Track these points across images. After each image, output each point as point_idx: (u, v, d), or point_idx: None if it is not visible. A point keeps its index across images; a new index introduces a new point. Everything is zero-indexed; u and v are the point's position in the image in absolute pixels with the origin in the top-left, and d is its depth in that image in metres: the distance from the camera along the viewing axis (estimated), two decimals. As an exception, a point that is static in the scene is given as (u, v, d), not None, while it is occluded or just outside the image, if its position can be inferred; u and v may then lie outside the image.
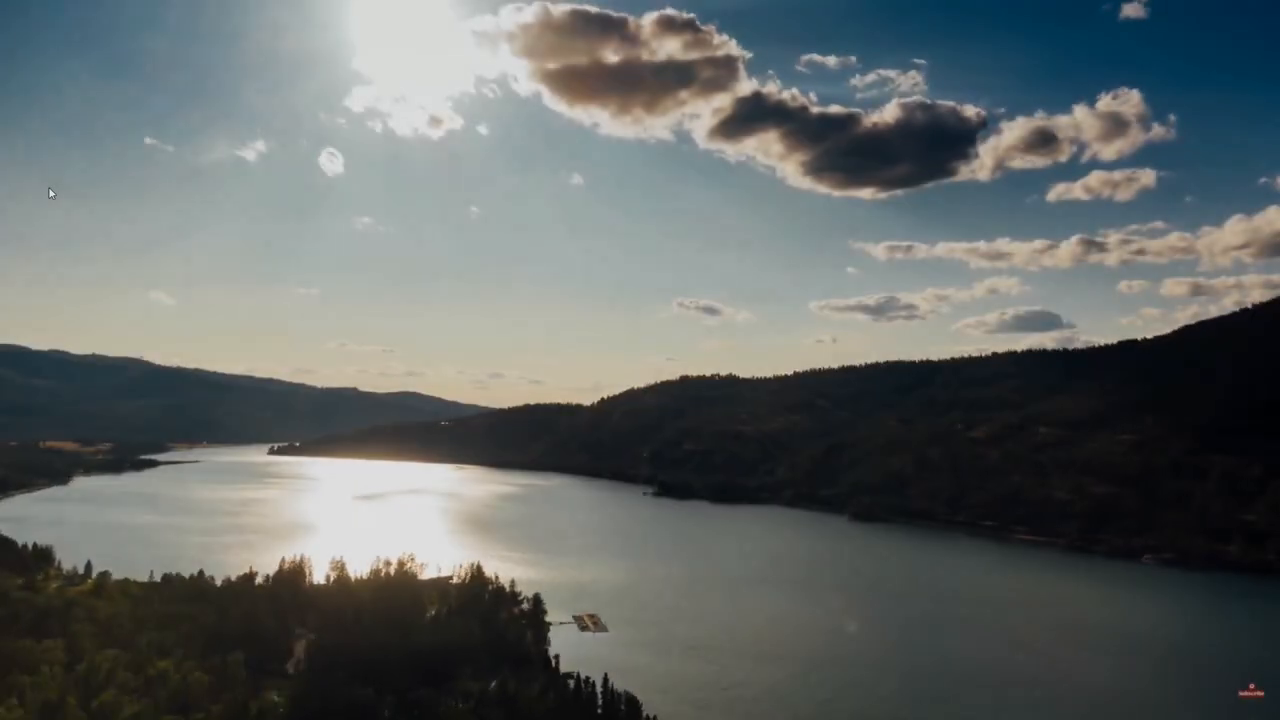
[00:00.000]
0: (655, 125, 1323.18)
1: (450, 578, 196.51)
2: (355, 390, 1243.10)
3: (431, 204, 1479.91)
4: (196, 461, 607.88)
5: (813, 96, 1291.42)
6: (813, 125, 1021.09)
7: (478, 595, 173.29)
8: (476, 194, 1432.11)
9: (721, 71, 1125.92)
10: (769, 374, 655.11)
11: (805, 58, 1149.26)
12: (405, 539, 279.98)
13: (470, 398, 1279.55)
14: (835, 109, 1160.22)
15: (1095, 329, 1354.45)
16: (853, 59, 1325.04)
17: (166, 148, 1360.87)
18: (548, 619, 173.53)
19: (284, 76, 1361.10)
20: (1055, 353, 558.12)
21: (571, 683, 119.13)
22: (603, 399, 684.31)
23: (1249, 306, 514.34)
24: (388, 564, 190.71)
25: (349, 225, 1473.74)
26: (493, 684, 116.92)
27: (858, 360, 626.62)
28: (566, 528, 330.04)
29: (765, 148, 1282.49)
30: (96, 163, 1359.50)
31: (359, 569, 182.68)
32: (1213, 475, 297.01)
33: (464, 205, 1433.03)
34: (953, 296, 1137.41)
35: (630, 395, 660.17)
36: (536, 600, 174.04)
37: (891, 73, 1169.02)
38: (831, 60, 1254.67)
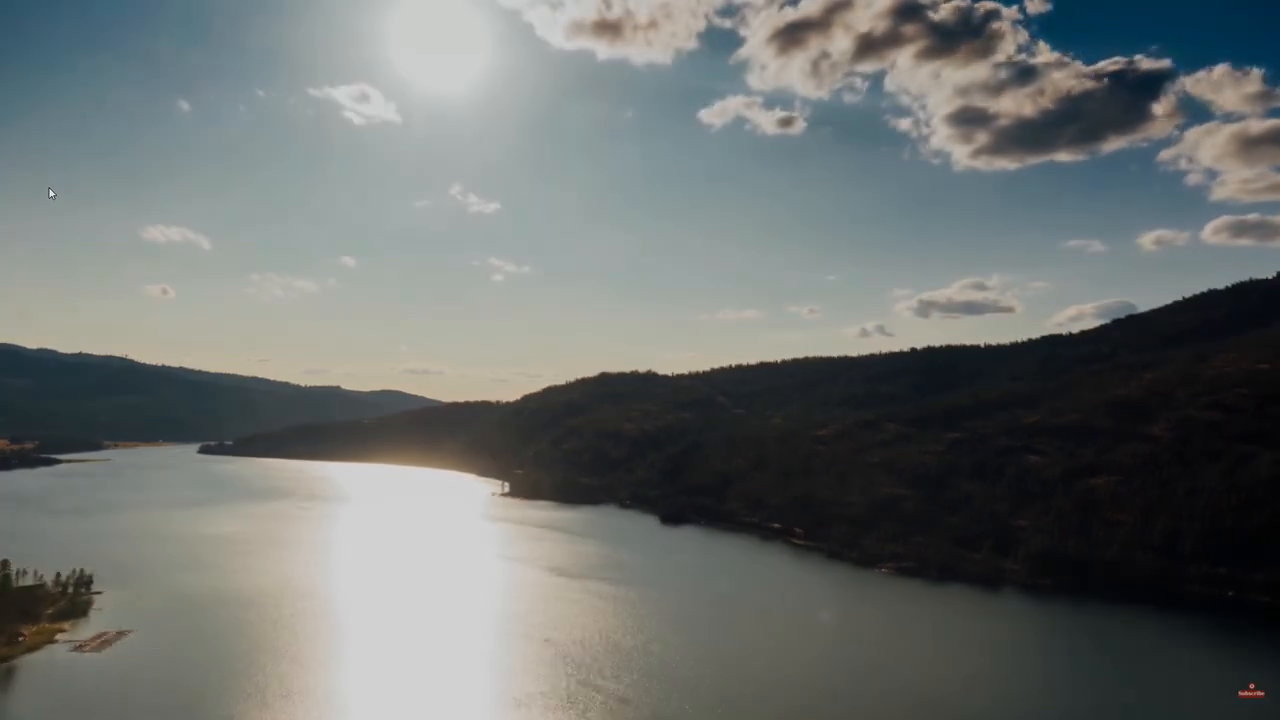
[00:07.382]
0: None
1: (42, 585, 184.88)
2: (338, 389, 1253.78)
3: (447, 187, 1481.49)
4: (107, 460, 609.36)
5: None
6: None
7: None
8: (504, 177, 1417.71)
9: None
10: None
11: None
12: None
13: (472, 396, 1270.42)
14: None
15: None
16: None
17: (165, 147, 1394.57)
18: (62, 637, 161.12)
19: (279, 69, 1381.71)
20: (970, 348, 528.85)
21: None
22: (523, 396, 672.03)
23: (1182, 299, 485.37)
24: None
25: (360, 220, 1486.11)
26: None
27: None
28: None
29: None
30: (96, 162, 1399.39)
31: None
32: (1007, 476, 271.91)
33: (492, 187, 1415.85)
34: (1036, 286, 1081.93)
35: (548, 392, 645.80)
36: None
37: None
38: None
